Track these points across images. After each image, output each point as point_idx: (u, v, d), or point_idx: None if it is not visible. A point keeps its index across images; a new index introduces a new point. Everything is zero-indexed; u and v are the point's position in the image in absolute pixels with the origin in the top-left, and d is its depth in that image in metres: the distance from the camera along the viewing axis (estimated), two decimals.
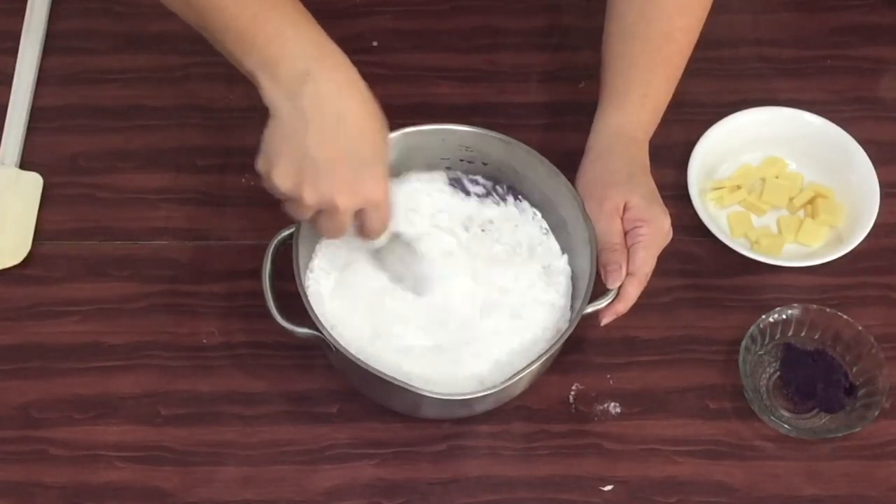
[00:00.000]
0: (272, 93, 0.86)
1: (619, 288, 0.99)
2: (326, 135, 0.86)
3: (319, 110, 0.86)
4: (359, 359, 0.94)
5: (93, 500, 1.00)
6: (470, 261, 1.03)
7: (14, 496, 1.00)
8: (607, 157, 1.04)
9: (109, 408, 1.04)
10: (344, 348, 0.95)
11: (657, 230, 1.00)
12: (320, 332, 0.95)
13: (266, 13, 0.86)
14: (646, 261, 0.99)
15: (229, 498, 1.01)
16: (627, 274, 0.99)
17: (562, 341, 0.96)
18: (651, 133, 1.07)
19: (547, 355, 0.96)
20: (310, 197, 0.88)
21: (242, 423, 1.04)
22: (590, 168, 1.04)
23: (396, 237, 1.00)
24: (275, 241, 0.99)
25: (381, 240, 0.98)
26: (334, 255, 1.03)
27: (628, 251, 0.99)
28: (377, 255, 1.01)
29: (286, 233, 0.98)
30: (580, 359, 1.07)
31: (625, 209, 1.01)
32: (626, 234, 1.00)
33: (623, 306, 0.99)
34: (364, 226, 0.93)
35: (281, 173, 0.87)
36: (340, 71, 0.87)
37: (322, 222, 0.91)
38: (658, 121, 1.07)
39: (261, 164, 0.89)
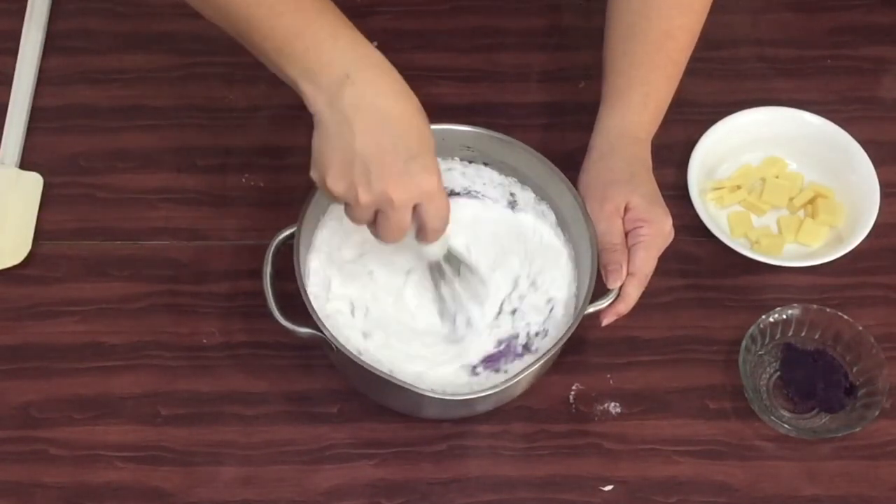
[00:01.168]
0: (315, 100, 0.87)
1: (620, 288, 0.99)
2: (371, 133, 0.86)
3: (361, 111, 0.86)
4: (359, 358, 0.94)
5: (93, 500, 1.00)
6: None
7: (14, 496, 1.00)
8: (609, 157, 1.04)
9: (109, 408, 1.04)
10: (345, 347, 0.95)
11: (658, 231, 1.00)
12: (321, 332, 0.95)
13: (304, 24, 0.87)
14: (646, 261, 0.99)
15: (229, 498, 1.01)
16: (628, 274, 0.99)
17: (563, 342, 0.96)
18: (653, 132, 1.07)
19: (547, 356, 0.96)
20: (364, 196, 0.87)
21: (242, 423, 1.04)
22: (592, 168, 1.04)
23: (452, 252, 0.99)
24: (275, 241, 0.99)
25: (439, 247, 0.96)
26: (333, 255, 1.03)
27: (629, 251, 0.99)
28: (435, 274, 1.00)
29: (286, 233, 0.98)
30: (580, 359, 1.07)
31: (626, 209, 1.01)
32: (627, 234, 1.00)
33: (624, 307, 0.99)
34: (423, 225, 0.91)
35: (333, 178, 0.88)
36: (378, 70, 0.88)
37: (381, 224, 0.90)
38: (660, 120, 1.07)
39: (313, 173, 0.89)
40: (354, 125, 0.86)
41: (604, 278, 0.99)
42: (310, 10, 0.88)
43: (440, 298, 1.01)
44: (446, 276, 1.00)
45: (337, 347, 0.95)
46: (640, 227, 0.99)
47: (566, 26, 1.28)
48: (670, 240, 1.02)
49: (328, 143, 0.87)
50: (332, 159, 0.87)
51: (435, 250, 0.97)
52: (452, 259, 0.99)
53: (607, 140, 1.05)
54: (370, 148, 0.86)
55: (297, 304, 0.95)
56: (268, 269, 0.97)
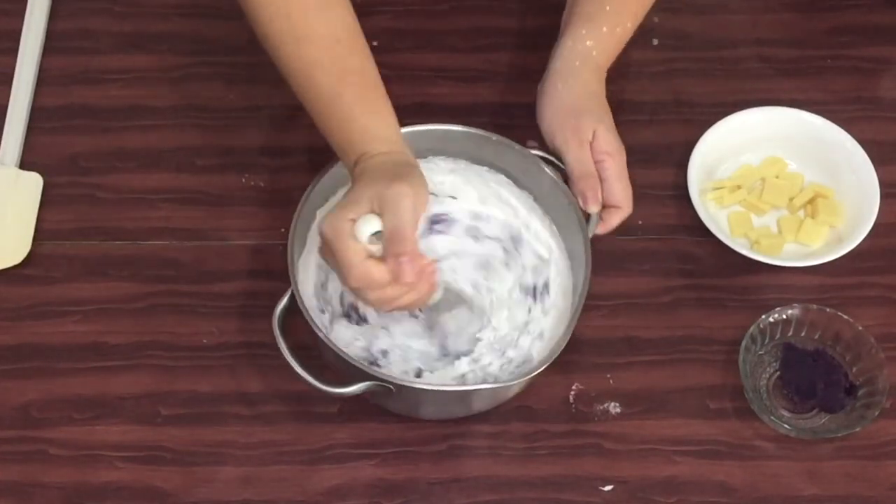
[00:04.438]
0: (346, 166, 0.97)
1: (599, 215, 1.01)
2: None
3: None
4: (358, 359, 0.94)
5: (93, 500, 1.00)
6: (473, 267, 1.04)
7: (14, 496, 1.00)
8: (572, 81, 1.06)
9: (109, 408, 1.04)
10: (351, 357, 0.95)
11: (621, 161, 1.03)
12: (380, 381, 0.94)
13: (344, 121, 0.95)
14: (625, 190, 1.02)
15: (229, 498, 1.01)
16: (616, 207, 1.01)
17: (562, 343, 0.96)
18: (609, 65, 1.09)
19: (548, 361, 0.96)
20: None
21: (242, 423, 1.04)
22: (554, 93, 1.06)
23: (447, 289, 0.99)
24: (278, 310, 0.97)
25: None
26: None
27: (604, 185, 1.01)
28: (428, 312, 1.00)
29: (285, 301, 0.97)
30: (580, 359, 1.07)
31: (592, 137, 1.03)
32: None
33: (603, 229, 1.02)
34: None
35: None
36: (384, 153, 0.94)
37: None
38: (617, 55, 1.09)
39: None
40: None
41: (581, 204, 1.01)
42: (359, 109, 0.96)
43: (426, 328, 1.01)
44: (437, 308, 1.00)
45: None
46: (604, 160, 1.02)
47: None
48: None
49: None
50: None
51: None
52: (445, 294, 0.99)
53: (570, 63, 1.07)
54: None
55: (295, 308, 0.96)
56: (280, 341, 0.96)
